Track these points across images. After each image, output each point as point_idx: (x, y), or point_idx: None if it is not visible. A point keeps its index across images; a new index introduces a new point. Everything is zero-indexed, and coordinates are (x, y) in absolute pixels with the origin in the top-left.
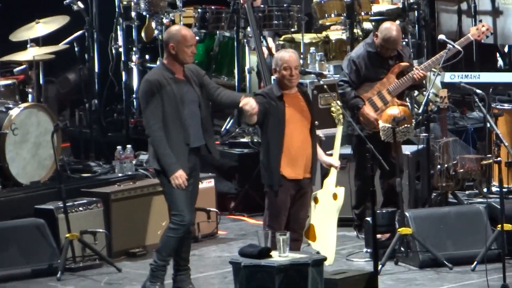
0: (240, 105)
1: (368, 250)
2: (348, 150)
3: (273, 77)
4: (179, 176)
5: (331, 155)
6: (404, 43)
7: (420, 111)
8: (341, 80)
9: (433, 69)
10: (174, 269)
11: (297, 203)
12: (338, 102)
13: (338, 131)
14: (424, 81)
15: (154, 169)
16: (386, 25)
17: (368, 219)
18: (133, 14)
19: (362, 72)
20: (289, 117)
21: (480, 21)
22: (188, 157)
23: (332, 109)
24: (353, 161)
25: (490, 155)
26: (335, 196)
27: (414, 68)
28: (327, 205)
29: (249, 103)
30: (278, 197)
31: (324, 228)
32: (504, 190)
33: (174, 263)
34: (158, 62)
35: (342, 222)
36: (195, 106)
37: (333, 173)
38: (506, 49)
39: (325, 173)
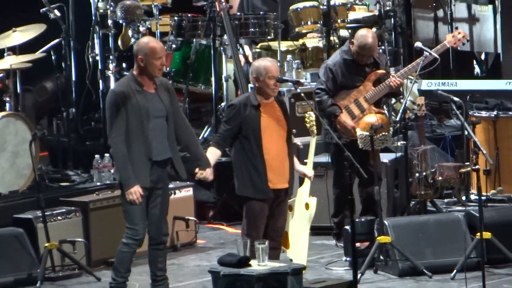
0: (196, 177)
1: (347, 259)
2: (325, 158)
3: (250, 85)
4: (134, 192)
5: (306, 163)
6: (380, 50)
7: (397, 118)
8: (317, 88)
9: (410, 77)
10: (152, 280)
11: (275, 212)
12: (315, 110)
13: (312, 142)
14: (401, 89)
15: (118, 181)
16: (362, 32)
17: (347, 227)
18: (109, 22)
19: (338, 79)
20: (265, 126)
21: (457, 28)
22: (150, 171)
23: (306, 119)
24: (331, 169)
25: (468, 163)
26: (307, 206)
27: (390, 76)
28: (300, 214)
29: (204, 177)
30: (255, 206)
31: (297, 236)
32: (482, 198)
33: (151, 274)
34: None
35: (321, 231)
36: (161, 120)
37: (307, 183)
38: (482, 56)
39: (301, 182)
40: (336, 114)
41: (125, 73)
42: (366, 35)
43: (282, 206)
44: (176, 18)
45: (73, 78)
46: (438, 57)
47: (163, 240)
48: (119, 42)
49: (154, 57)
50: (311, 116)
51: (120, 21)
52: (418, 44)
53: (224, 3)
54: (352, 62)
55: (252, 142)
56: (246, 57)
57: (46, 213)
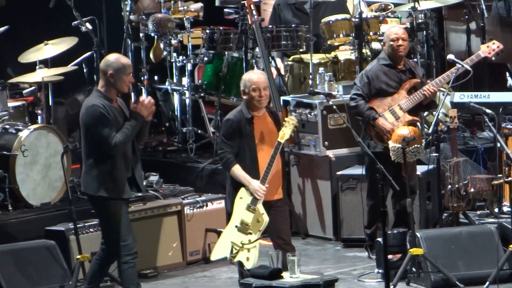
0: None
1: (380, 271)
2: (358, 171)
3: (282, 98)
4: None
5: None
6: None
7: (430, 131)
8: (353, 93)
9: (442, 89)
10: None
11: (274, 220)
12: (348, 122)
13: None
14: (434, 101)
15: (97, 196)
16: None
17: (379, 239)
18: (141, 35)
19: (374, 84)
20: (258, 139)
21: (491, 39)
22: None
23: (285, 122)
24: (364, 181)
25: (500, 175)
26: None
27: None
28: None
29: None
30: None
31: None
32: None
33: None
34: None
35: (353, 243)
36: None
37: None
38: None
39: None
40: (374, 117)
41: (157, 85)
42: (391, 27)
43: (283, 213)
44: (207, 31)
45: None
46: (470, 69)
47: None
48: (151, 55)
49: (125, 73)
50: (292, 121)
51: (152, 34)
52: (450, 56)
53: (256, 16)
54: (388, 67)
55: (247, 155)
56: (278, 69)
57: (78, 225)
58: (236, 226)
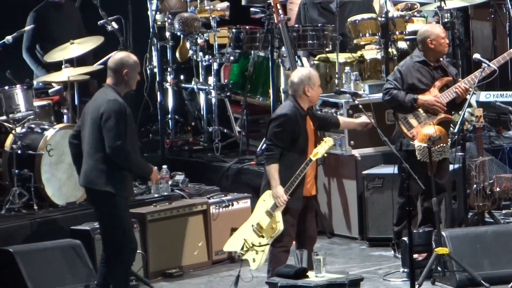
0: None
1: (405, 270)
2: (383, 170)
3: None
4: (156, 173)
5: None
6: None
7: (455, 130)
8: (385, 88)
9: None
10: None
11: (306, 218)
12: (373, 122)
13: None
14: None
15: (103, 190)
16: (425, 27)
17: (405, 238)
18: (167, 34)
19: (406, 79)
20: (309, 137)
21: (510, 31)
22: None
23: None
24: (392, 179)
25: None
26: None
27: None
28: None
29: None
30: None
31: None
32: None
33: None
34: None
35: (379, 242)
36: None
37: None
38: None
39: None
40: (415, 98)
41: (183, 85)
42: (431, 25)
43: (311, 213)
44: (234, 30)
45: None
46: (496, 68)
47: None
48: (177, 54)
49: (137, 71)
50: (329, 142)
51: (178, 33)
52: (476, 56)
53: (282, 15)
54: (422, 64)
55: (296, 151)
56: None
57: None
58: (252, 225)
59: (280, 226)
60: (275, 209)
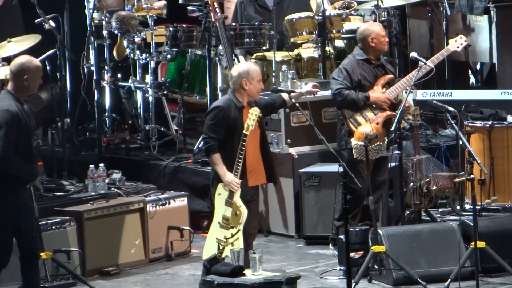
0: None
1: (342, 268)
2: (319, 168)
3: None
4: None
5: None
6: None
7: (392, 128)
8: (336, 88)
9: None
10: None
11: (251, 208)
12: (310, 120)
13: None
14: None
15: None
16: (365, 26)
17: (341, 237)
18: (104, 32)
19: (353, 76)
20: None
21: (457, 33)
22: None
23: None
24: (329, 178)
25: (463, 173)
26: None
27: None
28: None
29: None
30: None
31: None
32: (477, 207)
33: None
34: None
35: (316, 240)
36: (33, 136)
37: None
38: (478, 67)
39: None
40: (367, 96)
41: (120, 83)
42: (370, 23)
43: (254, 205)
44: (171, 28)
45: (68, 89)
46: (433, 67)
47: None
48: (114, 53)
49: (38, 76)
50: (255, 112)
51: (115, 32)
52: (413, 54)
53: (219, 14)
54: (365, 62)
55: (235, 144)
56: None
57: (40, 223)
58: (218, 223)
59: (244, 210)
60: (232, 196)
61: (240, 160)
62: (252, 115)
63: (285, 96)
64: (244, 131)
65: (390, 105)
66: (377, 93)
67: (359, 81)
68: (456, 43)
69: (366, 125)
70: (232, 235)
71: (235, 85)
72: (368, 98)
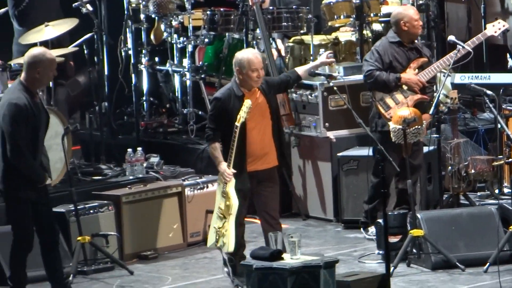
0: None
1: (380, 252)
2: (358, 152)
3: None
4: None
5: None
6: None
7: (430, 112)
8: (367, 70)
9: (443, 70)
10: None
11: (263, 195)
12: (348, 104)
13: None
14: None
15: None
16: (399, 9)
17: (380, 220)
18: (142, 16)
19: (384, 58)
20: (249, 116)
21: (496, 18)
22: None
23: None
24: (367, 161)
25: (501, 156)
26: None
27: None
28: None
29: None
30: (239, 190)
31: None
32: None
33: (51, 280)
34: (17, 81)
35: (354, 224)
36: (43, 128)
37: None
38: None
39: None
40: (398, 76)
41: (158, 67)
42: (405, 7)
43: (271, 188)
44: (208, 12)
45: (106, 72)
46: (471, 50)
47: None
48: (152, 36)
49: (51, 69)
50: (246, 104)
51: (153, 16)
52: (451, 37)
53: None
54: (398, 44)
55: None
56: (279, 51)
57: (78, 207)
58: (216, 213)
59: (234, 201)
60: (225, 186)
61: (233, 151)
62: (244, 107)
63: (299, 70)
64: (236, 123)
65: (422, 89)
66: (409, 74)
67: (390, 63)
68: (494, 28)
69: (404, 108)
70: (224, 226)
71: (234, 73)
72: (399, 79)
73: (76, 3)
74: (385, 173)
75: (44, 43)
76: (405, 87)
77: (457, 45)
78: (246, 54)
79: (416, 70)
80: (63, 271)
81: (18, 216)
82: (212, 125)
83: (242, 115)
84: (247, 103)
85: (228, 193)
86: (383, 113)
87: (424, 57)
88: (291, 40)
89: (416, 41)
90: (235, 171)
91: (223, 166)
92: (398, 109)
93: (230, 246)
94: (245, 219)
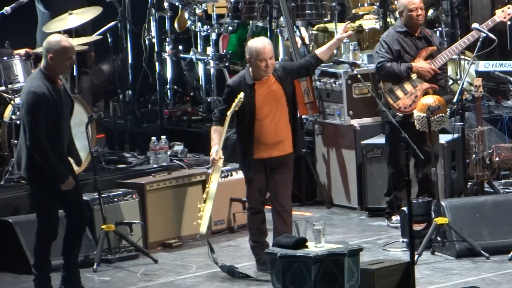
0: None
1: (405, 240)
2: (383, 140)
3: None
4: (71, 183)
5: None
6: (437, 32)
7: (454, 100)
8: (378, 62)
9: (467, 58)
10: (65, 269)
11: (273, 182)
12: (372, 92)
13: (228, 118)
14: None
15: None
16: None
17: (404, 208)
18: (165, 4)
19: (393, 48)
20: (260, 105)
21: (507, 3)
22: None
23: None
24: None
25: None
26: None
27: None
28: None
29: None
30: (251, 177)
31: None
32: None
33: (65, 263)
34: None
35: (378, 212)
36: (68, 114)
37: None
38: None
39: None
40: (409, 66)
41: (181, 55)
42: None
43: (283, 175)
44: (232, 0)
45: (130, 61)
46: (495, 38)
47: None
48: (175, 25)
49: (65, 57)
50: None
51: (176, 4)
52: (475, 25)
53: None
54: (405, 35)
55: (245, 121)
56: (302, 39)
57: (102, 195)
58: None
59: (212, 186)
60: (212, 170)
61: (222, 137)
62: (236, 99)
63: (318, 52)
64: (227, 112)
65: (434, 76)
66: (420, 62)
67: (399, 52)
68: (503, 14)
69: (428, 96)
70: (200, 209)
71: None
72: (411, 68)
73: None
74: (401, 163)
75: (68, 32)
76: (414, 77)
77: (481, 33)
78: (255, 43)
79: (426, 60)
80: (78, 260)
81: (42, 204)
82: (220, 108)
83: (233, 105)
84: (241, 95)
85: (211, 177)
86: (392, 104)
87: (434, 46)
88: (315, 28)
89: (426, 29)
90: (222, 157)
91: (212, 149)
92: (423, 97)
93: (201, 228)
94: (266, 207)
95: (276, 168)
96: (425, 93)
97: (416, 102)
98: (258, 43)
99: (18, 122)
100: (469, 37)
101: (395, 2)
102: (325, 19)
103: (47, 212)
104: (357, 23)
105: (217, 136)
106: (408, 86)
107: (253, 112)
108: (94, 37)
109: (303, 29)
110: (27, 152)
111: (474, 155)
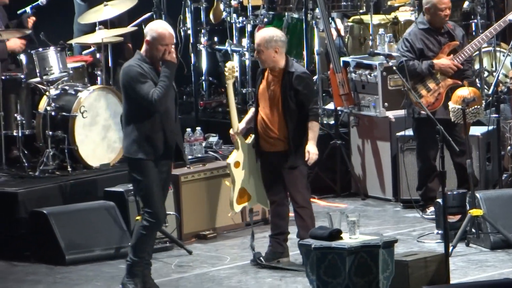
0: None
1: (439, 232)
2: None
3: (342, 59)
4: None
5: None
6: (473, 24)
7: (490, 92)
8: (399, 61)
9: (502, 50)
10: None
11: (284, 176)
12: (407, 83)
13: (229, 87)
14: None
15: (130, 158)
16: None
17: (439, 200)
18: None
19: (415, 47)
20: (261, 92)
21: None
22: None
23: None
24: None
25: None
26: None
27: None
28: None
29: None
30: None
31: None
32: None
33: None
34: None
35: (412, 204)
36: (171, 101)
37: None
38: None
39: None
40: (431, 64)
41: (217, 46)
42: None
43: (289, 174)
44: None
45: None
46: None
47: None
48: (211, 16)
49: (161, 43)
50: (230, 65)
51: None
52: (510, 17)
53: None
54: (427, 31)
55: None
56: (338, 30)
57: None
58: None
59: (228, 160)
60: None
61: (232, 110)
62: (229, 70)
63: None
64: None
65: (459, 71)
66: (442, 60)
67: (422, 50)
68: None
69: (464, 88)
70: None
71: None
72: (433, 66)
73: None
74: (430, 156)
75: (103, 23)
76: (437, 74)
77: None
78: (269, 32)
79: (449, 55)
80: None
81: (148, 189)
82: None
83: (228, 81)
84: (228, 64)
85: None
86: (415, 102)
87: (456, 40)
88: (350, 20)
89: (449, 22)
90: (236, 131)
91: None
92: (458, 89)
93: (232, 206)
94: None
95: (280, 165)
96: (457, 86)
97: (440, 100)
98: (269, 32)
99: (53, 113)
100: (492, 30)
101: None
102: (361, 11)
103: (153, 197)
104: (393, 14)
105: (244, 119)
106: (431, 84)
107: (256, 98)
108: (130, 28)
109: (338, 21)
110: (137, 132)
111: (509, 147)
